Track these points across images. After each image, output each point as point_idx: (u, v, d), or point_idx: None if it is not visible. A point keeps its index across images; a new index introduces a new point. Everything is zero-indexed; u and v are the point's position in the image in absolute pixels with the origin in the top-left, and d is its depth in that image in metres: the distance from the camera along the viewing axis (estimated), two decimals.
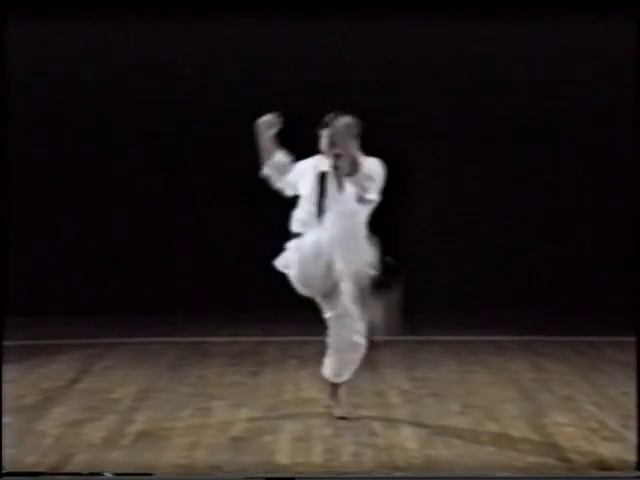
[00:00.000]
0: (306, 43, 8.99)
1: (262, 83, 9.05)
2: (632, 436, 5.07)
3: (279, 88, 8.91)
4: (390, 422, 5.43)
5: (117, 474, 4.21)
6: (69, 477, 4.40)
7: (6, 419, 5.31)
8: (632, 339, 6.84)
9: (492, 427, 5.39)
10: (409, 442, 5.10)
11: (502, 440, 5.15)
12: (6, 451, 4.71)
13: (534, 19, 8.69)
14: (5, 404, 5.51)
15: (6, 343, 6.77)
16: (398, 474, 4.51)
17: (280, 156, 5.22)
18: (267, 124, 5.13)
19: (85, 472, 4.40)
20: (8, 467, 4.43)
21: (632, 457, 4.70)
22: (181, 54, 9.13)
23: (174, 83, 9.25)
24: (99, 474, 4.21)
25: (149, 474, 4.33)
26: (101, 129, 9.29)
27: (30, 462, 4.74)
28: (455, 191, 9.39)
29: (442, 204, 9.37)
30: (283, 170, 5.22)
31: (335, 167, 5.07)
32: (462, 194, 9.41)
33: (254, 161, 5.13)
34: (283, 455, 4.87)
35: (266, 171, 5.26)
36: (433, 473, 4.63)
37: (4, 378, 6.13)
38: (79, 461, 4.77)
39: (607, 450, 4.94)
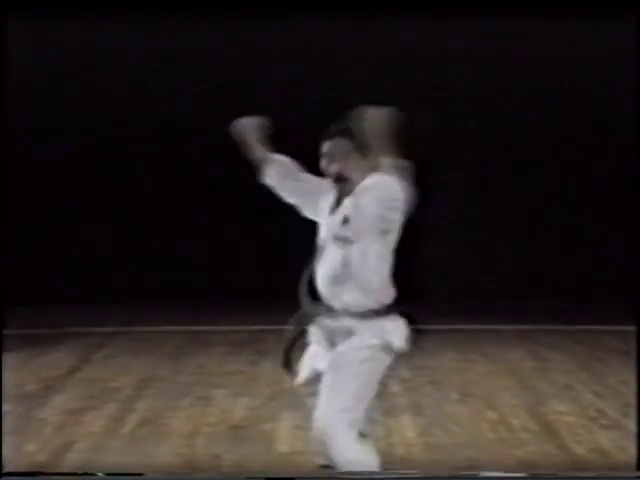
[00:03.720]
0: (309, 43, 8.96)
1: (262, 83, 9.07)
2: (631, 424, 5.09)
3: (279, 88, 8.92)
4: (390, 410, 5.43)
5: (110, 474, 4.20)
6: (69, 477, 4.40)
7: (6, 407, 5.32)
8: (632, 328, 6.85)
9: (491, 415, 5.40)
10: (408, 430, 5.11)
11: (501, 428, 5.16)
12: (6, 439, 4.71)
13: (534, 19, 8.66)
14: (6, 392, 5.52)
15: (7, 332, 6.79)
16: (399, 472, 4.49)
17: (280, 158, 3.93)
18: (247, 127, 3.92)
19: (81, 472, 4.38)
20: (8, 464, 4.42)
21: (631, 445, 4.71)
22: (182, 53, 9.13)
23: (174, 82, 9.25)
24: (94, 474, 4.21)
25: (141, 474, 4.31)
26: (100, 127, 9.30)
27: (30, 450, 4.76)
28: (454, 183, 9.38)
29: (441, 196, 9.36)
30: (288, 175, 3.91)
31: (331, 156, 3.77)
32: (462, 186, 9.41)
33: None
34: (283, 443, 4.89)
35: (268, 180, 3.95)
36: (433, 464, 4.64)
37: (5, 367, 6.14)
38: (79, 449, 4.79)
39: (606, 438, 4.95)
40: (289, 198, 3.95)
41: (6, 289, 7.55)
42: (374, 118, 3.56)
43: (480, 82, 9.18)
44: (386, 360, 3.69)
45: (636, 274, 8.45)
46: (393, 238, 3.67)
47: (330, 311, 3.72)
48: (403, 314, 3.76)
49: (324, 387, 3.65)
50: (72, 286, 9.20)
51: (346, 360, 3.63)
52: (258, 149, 3.94)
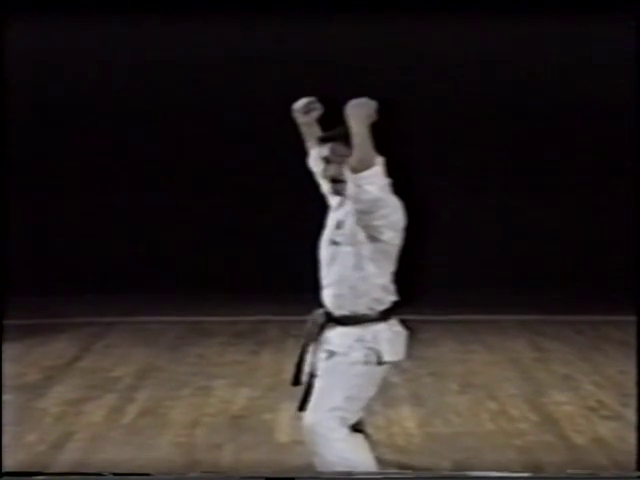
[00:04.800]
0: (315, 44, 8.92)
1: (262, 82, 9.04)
2: (631, 414, 5.09)
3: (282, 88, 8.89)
4: (389, 401, 5.43)
5: (116, 474, 4.21)
6: (68, 477, 4.40)
7: (7, 397, 5.32)
8: (632, 318, 6.84)
9: (491, 406, 5.41)
10: (408, 421, 5.12)
11: (501, 418, 5.17)
12: (7, 429, 4.72)
13: (533, 20, 8.63)
14: (6, 383, 5.52)
15: (7, 322, 6.79)
16: (398, 472, 4.48)
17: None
18: (304, 109, 3.96)
19: (89, 472, 4.37)
20: (8, 456, 4.42)
21: (630, 435, 4.72)
22: (182, 53, 9.11)
23: (174, 81, 9.23)
24: (100, 474, 4.21)
25: (148, 474, 4.32)
26: (100, 124, 9.30)
27: (31, 440, 4.77)
28: (455, 174, 9.38)
29: (441, 186, 9.36)
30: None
31: (327, 160, 3.73)
32: (462, 177, 9.40)
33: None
34: (282, 433, 4.89)
35: (311, 162, 4.03)
36: (433, 454, 4.65)
37: (5, 357, 6.14)
38: (79, 439, 4.80)
39: (605, 428, 4.97)
40: (323, 186, 3.91)
41: (7, 279, 7.55)
42: (356, 108, 3.46)
43: (479, 82, 9.17)
44: (379, 366, 3.66)
45: (636, 264, 8.44)
46: (391, 247, 3.61)
47: (325, 313, 3.71)
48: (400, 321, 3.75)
49: (316, 387, 3.63)
50: (72, 276, 9.20)
51: (338, 362, 3.61)
52: (314, 130, 3.98)
